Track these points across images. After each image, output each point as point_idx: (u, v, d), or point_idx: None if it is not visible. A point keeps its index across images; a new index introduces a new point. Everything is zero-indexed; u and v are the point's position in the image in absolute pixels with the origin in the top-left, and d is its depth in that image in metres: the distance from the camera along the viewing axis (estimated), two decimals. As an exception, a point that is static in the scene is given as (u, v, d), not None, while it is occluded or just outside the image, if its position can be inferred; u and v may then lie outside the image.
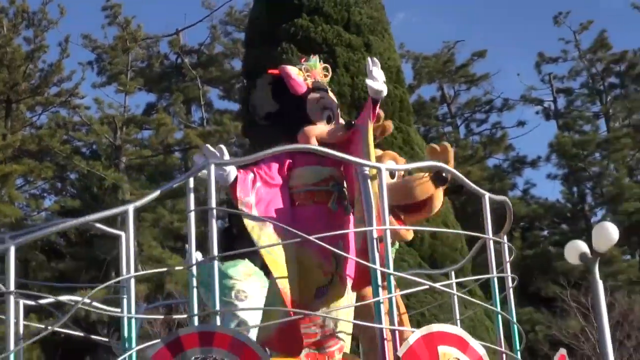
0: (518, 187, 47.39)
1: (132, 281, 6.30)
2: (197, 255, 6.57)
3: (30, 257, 37.58)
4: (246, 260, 7.41)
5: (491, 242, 6.58)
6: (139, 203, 6.38)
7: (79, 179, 44.04)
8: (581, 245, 12.01)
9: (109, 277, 38.04)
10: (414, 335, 5.49)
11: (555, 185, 52.27)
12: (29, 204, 42.86)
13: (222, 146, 6.48)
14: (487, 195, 6.74)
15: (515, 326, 6.42)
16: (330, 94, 6.77)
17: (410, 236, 6.86)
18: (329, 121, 6.61)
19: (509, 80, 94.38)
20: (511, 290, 6.59)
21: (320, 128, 6.53)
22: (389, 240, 5.89)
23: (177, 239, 40.47)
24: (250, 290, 7.41)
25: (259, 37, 19.18)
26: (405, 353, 5.39)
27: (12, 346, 5.85)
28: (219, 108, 48.93)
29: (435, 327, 5.64)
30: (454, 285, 7.06)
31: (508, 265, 6.67)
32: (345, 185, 6.63)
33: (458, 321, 7.04)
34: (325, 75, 6.81)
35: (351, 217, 6.50)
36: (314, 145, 6.40)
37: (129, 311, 6.22)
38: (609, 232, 10.97)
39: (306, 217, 6.33)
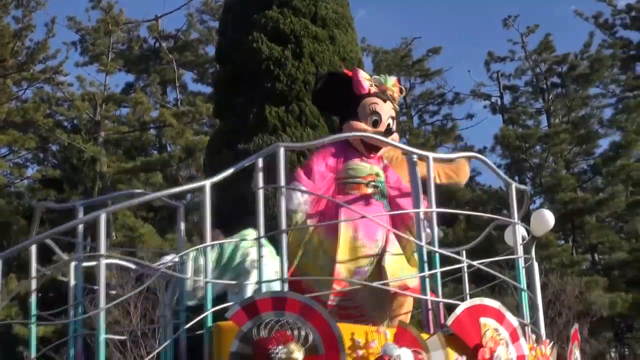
0: (465, 174, 47.66)
1: (209, 249, 6.39)
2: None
3: (12, 221, 37.51)
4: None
5: (517, 226, 6.92)
6: (215, 179, 6.65)
7: (60, 150, 43.94)
8: (520, 229, 12.15)
9: (85, 243, 38.09)
10: (460, 307, 5.72)
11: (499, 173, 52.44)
12: (12, 172, 42.94)
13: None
14: (514, 184, 7.02)
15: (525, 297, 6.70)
16: (388, 105, 6.99)
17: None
18: (374, 125, 6.86)
19: (461, 76, 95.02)
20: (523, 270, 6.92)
21: (364, 127, 6.81)
22: (435, 221, 6.25)
23: (149, 210, 40.50)
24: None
25: (232, 26, 19.15)
26: (453, 323, 5.62)
27: (102, 304, 6.34)
28: (193, 90, 49.10)
29: (478, 301, 5.88)
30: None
31: (520, 247, 6.98)
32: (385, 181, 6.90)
33: (467, 296, 7.20)
34: (399, 92, 7.27)
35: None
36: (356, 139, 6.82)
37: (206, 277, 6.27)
38: (545, 218, 11.06)
39: (352, 205, 6.51)
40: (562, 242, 39.43)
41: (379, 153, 7.01)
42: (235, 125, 18.37)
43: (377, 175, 6.92)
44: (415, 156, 6.29)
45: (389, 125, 6.92)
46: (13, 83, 42.30)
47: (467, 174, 7.39)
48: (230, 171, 6.76)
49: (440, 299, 5.91)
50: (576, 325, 7.25)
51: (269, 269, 6.44)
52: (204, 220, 6.15)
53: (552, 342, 6.41)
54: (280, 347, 4.97)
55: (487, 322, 5.73)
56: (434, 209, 6.23)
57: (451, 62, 73.36)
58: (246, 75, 18.40)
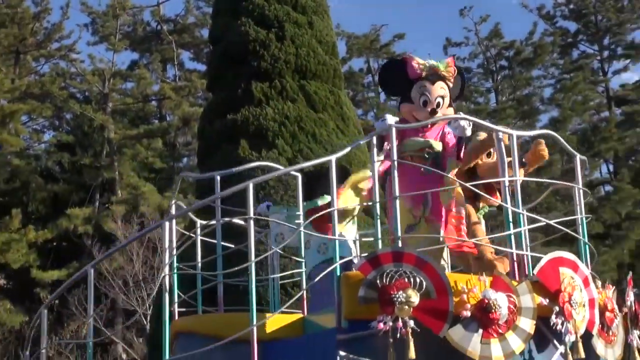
0: (424, 144, 47.86)
1: (335, 213, 6.31)
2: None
3: (30, 180, 37.37)
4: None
5: (580, 190, 6.78)
6: (339, 154, 6.47)
7: (73, 118, 43.93)
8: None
9: (94, 200, 38.33)
10: (544, 259, 5.80)
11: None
12: (31, 137, 42.93)
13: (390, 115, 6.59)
14: (578, 156, 7.04)
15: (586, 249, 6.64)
16: (437, 85, 6.87)
17: (496, 203, 7.13)
18: (424, 105, 6.77)
19: (423, 57, 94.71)
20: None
21: (412, 107, 6.78)
22: (519, 187, 6.29)
23: (151, 171, 40.51)
24: None
25: (223, 12, 19.01)
26: (539, 272, 5.74)
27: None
28: (189, 68, 48.74)
29: (557, 253, 5.93)
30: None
31: (582, 207, 6.85)
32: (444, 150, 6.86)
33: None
34: (448, 71, 6.97)
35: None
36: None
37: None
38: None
39: (406, 174, 6.45)
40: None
41: (435, 126, 6.95)
42: (225, 98, 18.26)
43: (431, 147, 6.84)
44: (500, 134, 6.44)
45: (438, 104, 6.84)
46: (32, 59, 42.80)
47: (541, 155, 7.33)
48: (347, 149, 6.96)
49: (527, 252, 6.01)
50: (631, 273, 7.39)
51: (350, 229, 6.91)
52: (332, 189, 6.22)
53: (614, 287, 6.44)
54: (400, 292, 5.18)
55: (564, 271, 5.82)
56: (517, 177, 6.35)
57: (414, 46, 73.42)
58: (235, 55, 18.27)
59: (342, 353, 5.21)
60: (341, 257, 5.93)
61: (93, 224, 34.62)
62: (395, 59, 7.28)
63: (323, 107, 17.54)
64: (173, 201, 7.65)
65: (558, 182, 6.86)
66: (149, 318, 21.82)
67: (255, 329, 5.65)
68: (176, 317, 7.04)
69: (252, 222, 6.17)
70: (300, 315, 6.34)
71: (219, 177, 7.47)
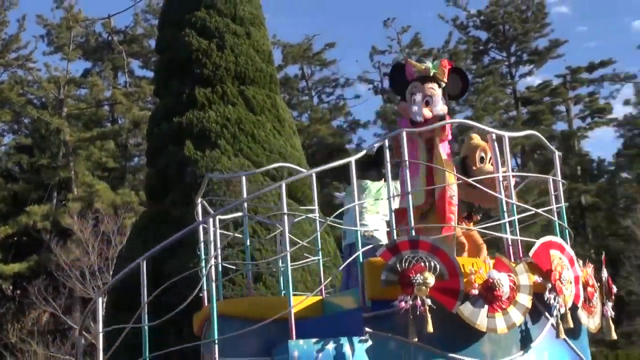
0: (353, 142, 48.05)
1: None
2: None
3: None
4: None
5: (559, 182, 6.92)
6: (358, 155, 6.49)
7: (30, 123, 43.22)
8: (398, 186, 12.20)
9: (52, 197, 37.79)
10: (537, 242, 6.04)
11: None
12: (-9, 140, 42.12)
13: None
14: (557, 153, 7.18)
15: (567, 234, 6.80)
16: (427, 85, 6.90)
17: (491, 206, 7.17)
18: (414, 102, 6.83)
19: (351, 64, 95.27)
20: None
21: (405, 105, 6.89)
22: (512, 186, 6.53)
23: (104, 170, 40.02)
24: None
25: (169, 24, 18.84)
26: (533, 254, 5.97)
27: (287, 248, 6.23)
28: (139, 75, 48.23)
29: (548, 238, 6.19)
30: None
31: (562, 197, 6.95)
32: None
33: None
34: (440, 72, 7.01)
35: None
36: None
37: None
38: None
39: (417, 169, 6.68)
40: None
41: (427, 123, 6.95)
42: (171, 103, 18.11)
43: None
44: (494, 135, 6.59)
45: (427, 102, 6.87)
46: (-9, 68, 41.97)
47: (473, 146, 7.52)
48: (362, 153, 6.70)
49: (518, 237, 6.20)
50: (604, 253, 7.67)
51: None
52: (353, 187, 6.25)
53: (592, 265, 6.70)
54: (418, 275, 5.38)
55: (554, 252, 6.06)
56: (510, 173, 6.62)
57: (343, 54, 73.65)
58: (180, 63, 18.12)
59: (367, 329, 5.43)
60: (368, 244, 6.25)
61: (51, 220, 34.19)
62: (399, 62, 7.29)
63: (261, 110, 17.51)
64: (199, 200, 7.63)
65: (540, 175, 7.00)
66: (104, 305, 21.66)
67: (292, 309, 5.75)
68: (205, 304, 7.20)
69: (285, 217, 6.26)
70: (320, 297, 6.39)
71: (244, 177, 7.50)
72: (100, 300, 7.70)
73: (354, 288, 6.13)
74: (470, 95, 45.59)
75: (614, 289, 6.76)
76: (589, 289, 6.36)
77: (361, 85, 51.49)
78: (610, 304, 6.61)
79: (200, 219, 7.25)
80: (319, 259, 6.92)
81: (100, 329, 7.67)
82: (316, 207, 7.56)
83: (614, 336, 6.51)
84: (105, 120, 45.08)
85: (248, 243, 7.50)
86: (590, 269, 6.57)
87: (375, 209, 7.02)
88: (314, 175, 6.92)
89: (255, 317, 5.87)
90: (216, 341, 5.74)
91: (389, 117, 43.84)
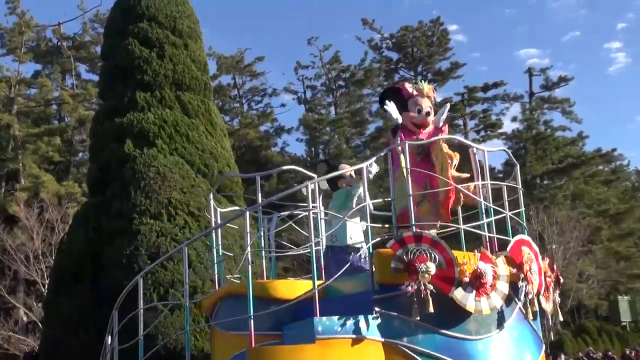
0: (278, 145, 48.00)
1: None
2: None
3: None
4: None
5: (520, 190, 7.28)
6: (369, 162, 6.83)
7: (-17, 119, 41.68)
8: (321, 184, 12.16)
9: (0, 187, 36.55)
10: (513, 240, 6.43)
11: (301, 145, 53.21)
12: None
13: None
14: (518, 166, 7.59)
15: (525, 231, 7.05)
16: (425, 100, 7.32)
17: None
18: (419, 112, 7.25)
19: (278, 76, 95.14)
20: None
21: (411, 116, 7.22)
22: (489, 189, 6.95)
23: (50, 164, 38.96)
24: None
25: (114, 33, 18.41)
26: (510, 249, 6.32)
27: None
28: (85, 78, 47.24)
29: (520, 236, 6.57)
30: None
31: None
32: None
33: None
34: (433, 91, 7.52)
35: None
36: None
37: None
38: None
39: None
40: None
41: (425, 130, 7.31)
42: (114, 104, 17.70)
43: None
44: (475, 148, 6.99)
45: (427, 113, 7.27)
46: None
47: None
48: (373, 159, 7.08)
49: (494, 235, 6.53)
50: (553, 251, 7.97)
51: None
52: (364, 191, 6.56)
53: (547, 259, 7.03)
54: (422, 264, 5.69)
55: (524, 248, 6.43)
56: (488, 182, 6.83)
57: (271, 67, 73.47)
58: (123, 69, 17.72)
59: (377, 308, 5.71)
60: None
61: (-1, 207, 33.14)
62: (391, 86, 7.65)
63: (195, 114, 17.28)
64: (211, 195, 7.56)
65: (505, 183, 7.21)
66: (47, 287, 21.20)
67: (317, 291, 5.85)
68: (217, 287, 7.20)
69: (311, 213, 6.41)
70: (319, 282, 6.37)
71: (259, 177, 7.36)
72: (116, 314, 7.46)
73: (355, 275, 6.48)
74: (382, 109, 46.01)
75: (562, 279, 7.18)
76: (547, 278, 6.77)
77: (286, 95, 51.43)
78: (557, 292, 7.01)
79: (212, 212, 7.43)
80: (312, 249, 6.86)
81: (117, 345, 7.58)
82: (319, 204, 7.53)
83: (561, 317, 6.94)
84: (52, 118, 43.96)
85: (261, 234, 7.27)
86: (547, 262, 6.94)
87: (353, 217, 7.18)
88: (314, 184, 7.04)
89: (265, 297, 6.03)
90: (251, 317, 5.82)
91: (310, 124, 43.93)
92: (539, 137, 45.09)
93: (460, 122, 47.77)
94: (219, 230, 7.49)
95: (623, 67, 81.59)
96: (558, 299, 6.95)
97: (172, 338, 13.45)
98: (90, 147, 18.69)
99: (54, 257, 21.31)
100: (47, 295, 17.93)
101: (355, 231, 7.22)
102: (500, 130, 48.02)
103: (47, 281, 21.50)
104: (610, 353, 27.80)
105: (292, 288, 6.34)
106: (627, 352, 27.45)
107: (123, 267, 14.75)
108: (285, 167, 10.11)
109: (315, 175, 7.49)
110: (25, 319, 27.03)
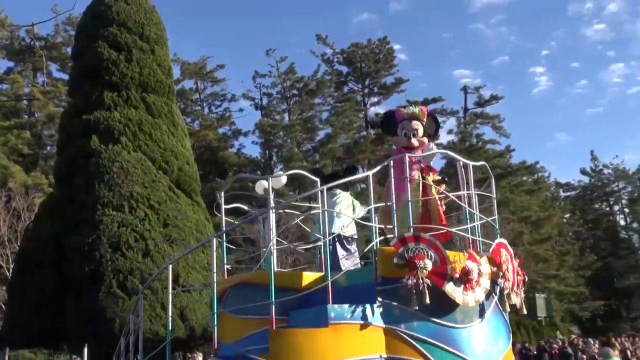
0: (235, 146, 47.75)
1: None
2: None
3: None
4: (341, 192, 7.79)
5: (494, 200, 7.68)
6: (374, 171, 6.63)
7: (-44, 111, 40.37)
8: (264, 183, 12.17)
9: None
10: (494, 243, 6.77)
11: (256, 148, 52.97)
12: None
13: None
14: (492, 178, 7.68)
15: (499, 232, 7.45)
16: (414, 122, 7.43)
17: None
18: (404, 135, 7.40)
19: (237, 84, 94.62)
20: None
21: (397, 139, 7.46)
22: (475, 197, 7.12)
23: (19, 156, 37.93)
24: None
25: (85, 35, 18.09)
26: (492, 251, 6.65)
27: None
28: (56, 77, 45.96)
29: (500, 239, 6.90)
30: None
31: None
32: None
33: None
34: (421, 114, 7.50)
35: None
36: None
37: None
38: (281, 178, 11.11)
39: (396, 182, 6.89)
40: (292, 192, 40.05)
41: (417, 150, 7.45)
42: (82, 102, 17.40)
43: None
44: (461, 162, 7.23)
45: (414, 134, 7.42)
46: None
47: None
48: (380, 166, 6.77)
49: (478, 238, 6.91)
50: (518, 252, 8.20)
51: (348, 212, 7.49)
52: (370, 199, 6.40)
53: (518, 260, 7.32)
54: (421, 261, 5.93)
55: (502, 250, 6.80)
56: (473, 191, 7.09)
57: (232, 73, 73.01)
58: (92, 70, 17.43)
59: (379, 299, 5.94)
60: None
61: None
62: (391, 110, 7.92)
63: (159, 115, 17.09)
64: (222, 192, 7.46)
65: (482, 192, 7.43)
66: (11, 271, 20.68)
67: (330, 282, 6.04)
68: (225, 276, 7.22)
69: (325, 213, 6.38)
70: (321, 274, 6.59)
71: (270, 179, 7.51)
72: (141, 297, 7.28)
73: (357, 269, 6.82)
74: (331, 117, 46.22)
75: (526, 278, 7.48)
76: (518, 276, 7.07)
77: (244, 101, 51.19)
78: (522, 289, 7.30)
79: (223, 210, 7.25)
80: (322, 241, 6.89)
81: (141, 323, 7.36)
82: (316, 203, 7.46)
83: (525, 311, 7.20)
84: (23, 113, 42.74)
85: (270, 230, 7.22)
86: (518, 262, 7.24)
87: (349, 212, 7.58)
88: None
89: (276, 286, 6.07)
90: (273, 302, 5.90)
91: (265, 128, 43.80)
92: (472, 148, 45.81)
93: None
94: (273, 228, 7.52)
95: (545, 89, 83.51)
96: (522, 295, 7.24)
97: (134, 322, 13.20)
98: (58, 142, 18.32)
99: (19, 244, 20.78)
100: (12, 279, 17.50)
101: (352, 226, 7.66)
102: (437, 142, 48.62)
103: (11, 266, 20.96)
104: (527, 344, 28.43)
105: (299, 278, 6.64)
106: (542, 343, 28.11)
107: (85, 255, 14.49)
108: (293, 172, 10.17)
109: (318, 180, 7.60)
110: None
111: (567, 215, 54.78)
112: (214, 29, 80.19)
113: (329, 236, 6.61)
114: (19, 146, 37.14)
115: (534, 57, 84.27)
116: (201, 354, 18.16)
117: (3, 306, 20.85)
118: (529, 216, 44.08)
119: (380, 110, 49.56)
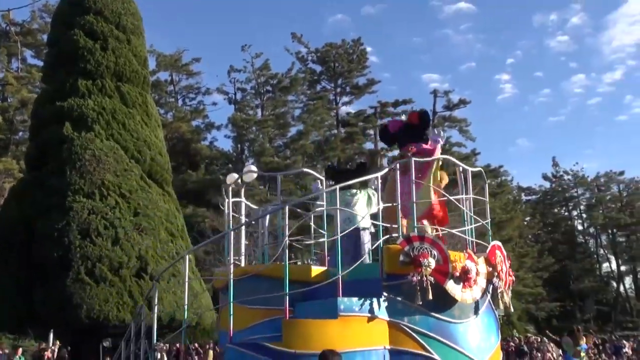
0: (207, 139, 47.52)
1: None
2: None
3: None
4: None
5: (487, 203, 7.92)
6: (379, 173, 6.96)
7: None
8: (235, 176, 12.13)
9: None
10: (490, 244, 7.12)
11: (228, 141, 52.71)
12: None
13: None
14: (487, 183, 8.13)
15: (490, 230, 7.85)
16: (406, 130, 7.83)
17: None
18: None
19: (212, 77, 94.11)
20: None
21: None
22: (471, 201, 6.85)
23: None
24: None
25: (61, 23, 17.84)
26: (488, 252, 7.01)
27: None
28: (31, 63, 45.36)
29: (495, 242, 7.27)
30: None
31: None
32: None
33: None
34: (417, 119, 7.84)
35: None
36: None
37: None
38: (252, 171, 11.12)
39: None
40: (262, 187, 39.94)
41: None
42: (57, 89, 17.15)
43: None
44: (460, 167, 7.56)
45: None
46: None
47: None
48: (384, 171, 7.33)
49: (473, 239, 7.31)
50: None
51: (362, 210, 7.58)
52: (378, 196, 6.79)
53: (510, 261, 7.66)
54: (425, 259, 6.20)
55: (497, 252, 7.15)
56: (471, 195, 7.48)
57: (206, 68, 72.54)
58: (67, 57, 17.19)
59: (385, 294, 6.18)
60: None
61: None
62: (384, 124, 8.54)
63: (133, 104, 16.92)
64: (230, 188, 7.52)
65: (477, 196, 7.76)
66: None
67: (340, 276, 6.18)
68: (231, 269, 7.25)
69: (339, 212, 6.58)
70: (324, 268, 6.89)
71: (280, 177, 8.02)
72: (155, 285, 7.31)
73: (365, 264, 7.00)
74: (303, 114, 46.20)
75: (514, 278, 7.82)
76: (509, 277, 7.47)
77: (218, 95, 50.90)
78: (510, 288, 7.64)
79: (230, 202, 7.63)
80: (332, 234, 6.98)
81: (156, 310, 7.60)
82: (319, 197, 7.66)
83: (512, 309, 7.52)
84: (-4, 98, 42.04)
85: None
86: (509, 263, 7.58)
87: (365, 207, 7.75)
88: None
89: (280, 277, 6.13)
90: (287, 293, 5.98)
91: (238, 122, 43.62)
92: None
93: (372, 131, 48.39)
94: (286, 224, 7.47)
95: (510, 96, 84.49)
96: (510, 294, 7.57)
97: (97, 309, 13.02)
98: (31, 127, 18.05)
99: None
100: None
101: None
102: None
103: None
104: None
105: (308, 272, 6.80)
106: (499, 341, 28.45)
107: (54, 240, 14.30)
108: (300, 169, 10.43)
109: (322, 178, 7.87)
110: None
111: (528, 218, 55.50)
112: (190, 22, 79.66)
113: (350, 230, 6.84)
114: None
115: (499, 64, 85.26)
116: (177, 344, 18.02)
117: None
118: (492, 218, 44.59)
119: (351, 109, 49.81)
